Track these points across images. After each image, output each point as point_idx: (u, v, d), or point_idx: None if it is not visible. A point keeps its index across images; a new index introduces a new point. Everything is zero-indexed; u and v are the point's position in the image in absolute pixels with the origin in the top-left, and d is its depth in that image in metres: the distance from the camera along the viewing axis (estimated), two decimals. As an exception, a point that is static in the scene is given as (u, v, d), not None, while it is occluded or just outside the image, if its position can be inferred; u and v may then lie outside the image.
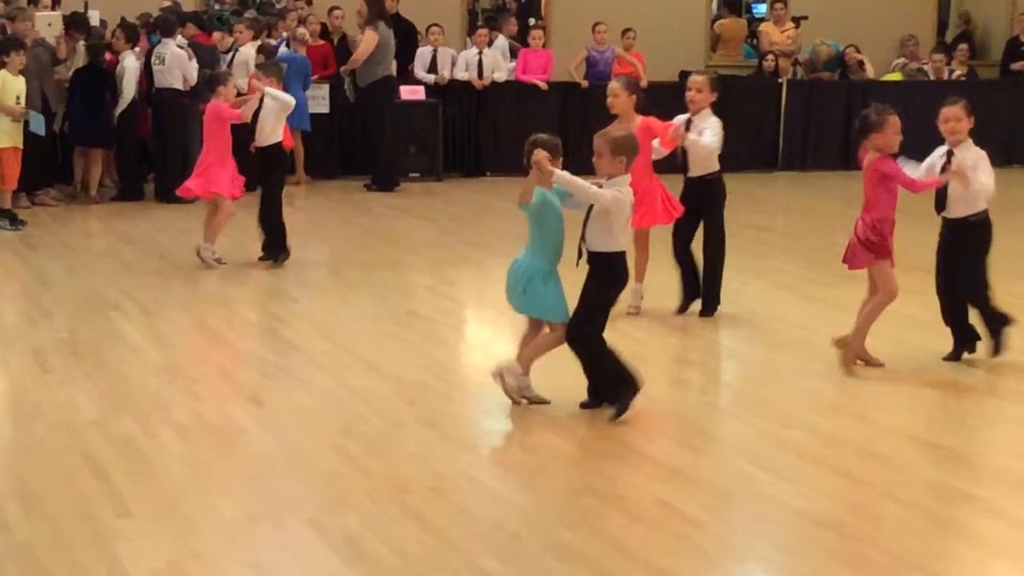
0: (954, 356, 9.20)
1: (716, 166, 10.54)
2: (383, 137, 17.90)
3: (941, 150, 9.14)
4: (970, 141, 9.10)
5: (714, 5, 23.15)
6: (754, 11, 24.83)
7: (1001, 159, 18.40)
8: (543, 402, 8.12)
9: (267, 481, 6.98)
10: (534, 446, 7.62)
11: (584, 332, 7.89)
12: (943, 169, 8.98)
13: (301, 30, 18.31)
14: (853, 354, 8.96)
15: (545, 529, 6.35)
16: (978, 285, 9.12)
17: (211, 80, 12.87)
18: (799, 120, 20.74)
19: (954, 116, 9.14)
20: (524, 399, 8.11)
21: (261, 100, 12.27)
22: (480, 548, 6.11)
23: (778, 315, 10.94)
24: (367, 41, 17.71)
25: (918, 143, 9.52)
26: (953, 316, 9.24)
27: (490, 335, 11.05)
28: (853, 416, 8.08)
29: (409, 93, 18.88)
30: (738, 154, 20.43)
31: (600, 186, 7.89)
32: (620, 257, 7.92)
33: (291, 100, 12.46)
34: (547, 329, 8.11)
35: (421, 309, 11.13)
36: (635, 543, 6.20)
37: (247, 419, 7.99)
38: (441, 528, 6.33)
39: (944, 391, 8.66)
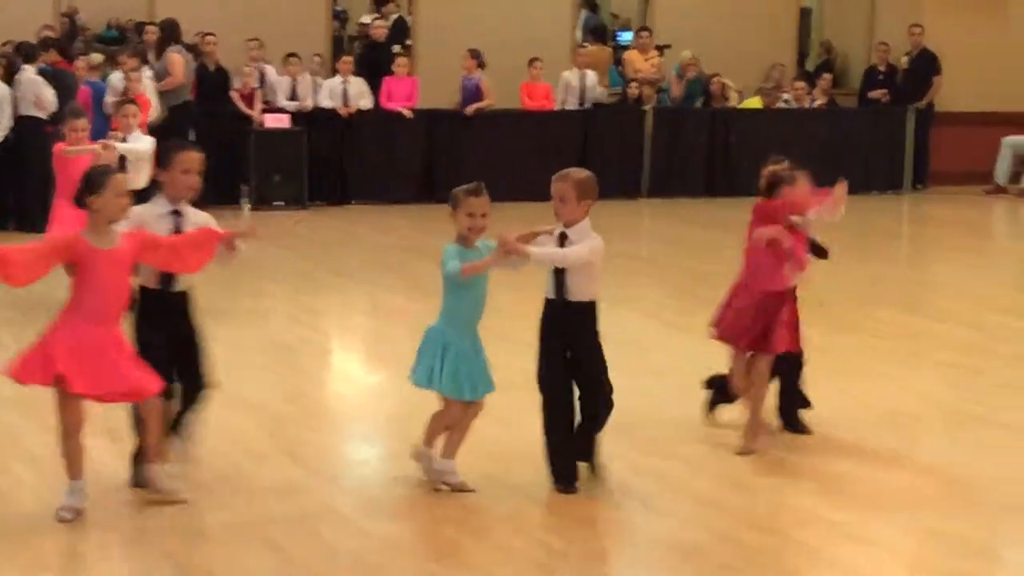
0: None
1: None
2: None
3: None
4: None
5: (579, 32, 23.28)
6: (619, 39, 25.04)
7: (859, 185, 18.66)
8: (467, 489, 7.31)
9: (124, 513, 6.85)
10: (397, 477, 7.54)
11: (610, 396, 7.37)
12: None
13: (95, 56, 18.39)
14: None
15: (408, 561, 6.31)
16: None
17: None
18: (664, 147, 20.90)
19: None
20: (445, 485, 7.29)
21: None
22: (341, 581, 6.06)
23: (643, 343, 10.97)
24: (177, 65, 17.76)
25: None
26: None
27: (354, 365, 10.98)
28: (716, 444, 8.10)
29: (273, 121, 18.79)
30: (603, 181, 20.55)
31: (564, 237, 7.22)
32: (596, 305, 7.44)
33: (139, 148, 11.94)
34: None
35: (284, 339, 11.03)
36: (498, 573, 6.16)
37: (103, 452, 7.82)
38: (303, 561, 6.26)
39: (807, 418, 8.70)
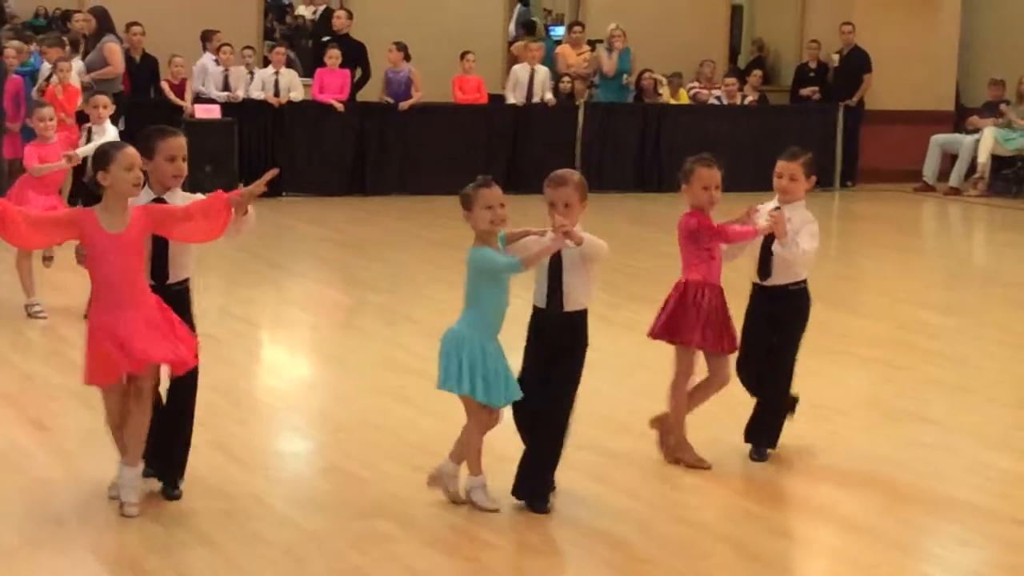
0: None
1: None
2: None
3: (769, 205, 7.85)
4: (803, 203, 7.85)
5: (512, 27, 23.30)
6: (551, 33, 25.08)
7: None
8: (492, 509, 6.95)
9: (49, 506, 6.82)
10: (326, 470, 7.56)
11: (568, 417, 7.01)
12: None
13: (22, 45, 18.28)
14: (676, 449, 7.83)
15: (336, 553, 6.30)
16: (783, 364, 7.96)
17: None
18: (595, 142, 20.95)
19: (788, 173, 7.83)
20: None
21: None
22: (269, 573, 6.05)
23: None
24: (115, 54, 17.65)
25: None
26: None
27: (285, 357, 10.96)
28: (643, 438, 8.12)
29: (204, 112, 18.70)
30: (534, 176, 20.58)
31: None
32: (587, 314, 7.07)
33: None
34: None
35: (214, 330, 10.96)
36: (428, 568, 6.18)
37: (30, 443, 7.80)
38: (230, 553, 6.25)
39: (729, 413, 8.75)
